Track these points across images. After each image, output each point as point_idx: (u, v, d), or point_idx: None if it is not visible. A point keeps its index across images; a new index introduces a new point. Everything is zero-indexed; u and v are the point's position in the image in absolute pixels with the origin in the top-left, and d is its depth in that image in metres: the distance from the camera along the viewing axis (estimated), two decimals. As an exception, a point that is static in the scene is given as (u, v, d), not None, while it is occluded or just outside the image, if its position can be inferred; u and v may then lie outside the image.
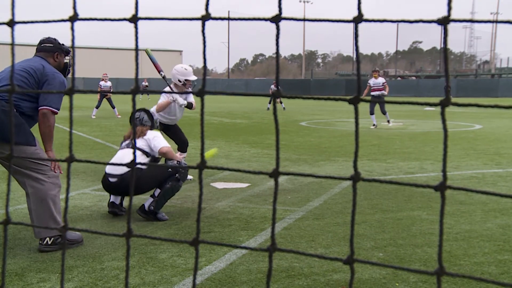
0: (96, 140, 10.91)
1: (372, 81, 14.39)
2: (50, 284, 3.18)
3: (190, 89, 6.30)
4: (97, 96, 20.14)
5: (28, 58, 4.03)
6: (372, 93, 14.43)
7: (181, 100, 6.27)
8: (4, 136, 3.61)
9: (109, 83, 18.84)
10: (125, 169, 4.62)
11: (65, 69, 4.13)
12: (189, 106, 6.36)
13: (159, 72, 6.17)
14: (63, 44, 4.15)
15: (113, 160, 4.92)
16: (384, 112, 14.45)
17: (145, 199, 4.84)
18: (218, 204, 5.25)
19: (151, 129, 5.12)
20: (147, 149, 4.87)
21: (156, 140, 4.87)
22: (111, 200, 4.83)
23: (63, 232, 0.95)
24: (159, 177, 4.69)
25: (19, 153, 3.70)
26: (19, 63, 3.93)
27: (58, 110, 3.84)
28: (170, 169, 4.72)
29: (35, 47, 4.14)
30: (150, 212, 4.64)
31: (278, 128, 0.85)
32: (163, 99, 6.32)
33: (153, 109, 6.28)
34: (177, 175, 4.74)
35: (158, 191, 4.67)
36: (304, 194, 5.72)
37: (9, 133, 0.99)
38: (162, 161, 5.54)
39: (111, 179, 4.63)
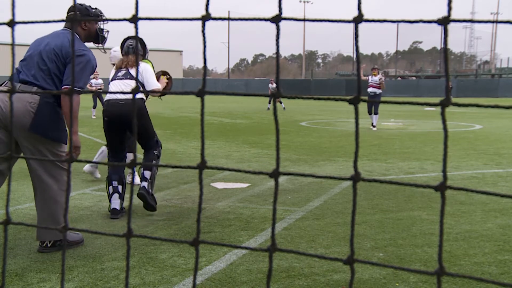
0: (96, 140, 10.90)
1: (370, 78, 14.37)
2: (50, 284, 3.17)
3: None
4: (91, 96, 20.04)
5: (56, 31, 3.80)
6: (368, 89, 14.37)
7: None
8: (40, 130, 3.55)
9: (100, 81, 18.78)
10: (130, 96, 4.63)
11: (97, 36, 3.86)
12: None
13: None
14: (95, 8, 3.87)
15: (112, 89, 4.87)
16: (376, 113, 14.09)
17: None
18: (218, 204, 5.25)
19: (143, 58, 5.07)
20: (141, 80, 4.86)
21: (149, 75, 4.83)
22: (112, 207, 4.78)
23: (63, 232, 0.95)
24: (151, 132, 4.91)
25: (50, 148, 3.64)
26: (46, 38, 3.69)
27: (83, 88, 3.70)
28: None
29: None
30: (150, 193, 4.83)
31: (278, 128, 0.85)
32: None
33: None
34: (155, 152, 4.94)
35: (148, 173, 4.80)
36: (304, 194, 5.72)
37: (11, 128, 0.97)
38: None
39: (120, 102, 4.70)
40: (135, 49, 5.03)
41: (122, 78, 4.87)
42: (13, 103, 3.51)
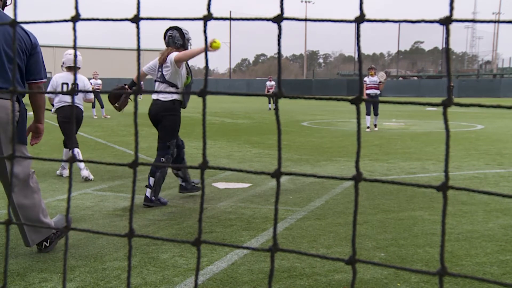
0: (98, 140, 10.92)
1: (368, 79, 13.74)
2: (52, 284, 3.17)
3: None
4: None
5: None
6: (367, 91, 13.74)
7: None
8: (22, 138, 3.47)
9: (99, 81, 18.76)
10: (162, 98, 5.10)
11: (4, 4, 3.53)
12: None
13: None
14: None
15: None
16: (376, 114, 13.62)
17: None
18: (220, 204, 5.25)
19: (183, 50, 5.18)
20: (169, 76, 5.11)
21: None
22: (181, 183, 5.40)
23: (66, 232, 0.95)
24: (173, 130, 5.20)
25: (23, 151, 3.53)
26: None
27: (46, 78, 3.64)
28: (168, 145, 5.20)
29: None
30: (151, 200, 5.09)
31: (280, 129, 0.85)
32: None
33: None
34: (162, 159, 5.17)
35: (151, 180, 5.08)
36: (306, 194, 5.71)
37: (12, 133, 0.97)
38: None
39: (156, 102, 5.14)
40: (176, 41, 5.25)
41: (159, 81, 5.21)
42: None
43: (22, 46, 3.42)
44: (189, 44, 5.29)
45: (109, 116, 17.90)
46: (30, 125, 3.76)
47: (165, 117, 5.09)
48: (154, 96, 5.19)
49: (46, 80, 3.65)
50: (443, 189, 0.76)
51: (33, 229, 3.62)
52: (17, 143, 3.44)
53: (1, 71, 3.36)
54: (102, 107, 18.25)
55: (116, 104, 5.27)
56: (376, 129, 13.77)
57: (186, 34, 5.25)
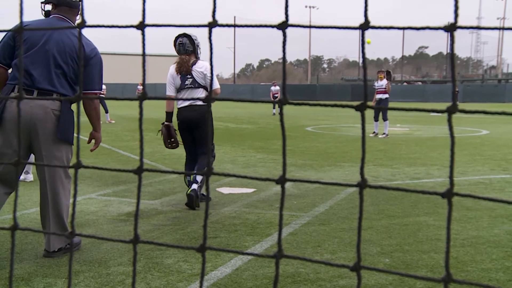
0: (102, 145, 10.94)
1: (376, 83, 13.75)
2: (56, 289, 3.18)
3: None
4: None
5: (44, 19, 3.69)
6: (377, 96, 13.69)
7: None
8: (65, 136, 3.64)
9: (103, 86, 18.79)
10: (199, 103, 5.20)
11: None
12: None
13: None
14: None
15: (185, 96, 5.30)
16: (385, 119, 13.26)
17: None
18: (224, 209, 5.24)
19: (195, 55, 5.28)
20: (202, 81, 5.20)
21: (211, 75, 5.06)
22: (192, 186, 5.24)
23: (71, 238, 0.95)
24: (212, 134, 5.49)
25: (66, 152, 3.71)
26: (46, 32, 3.52)
27: (101, 90, 3.85)
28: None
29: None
30: (201, 195, 5.32)
31: (285, 134, 0.85)
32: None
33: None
34: (212, 158, 5.43)
35: (199, 177, 5.12)
36: (310, 199, 5.70)
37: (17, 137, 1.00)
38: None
39: (195, 105, 5.25)
40: (186, 48, 5.29)
41: (191, 87, 5.25)
42: (34, 110, 3.54)
43: (72, 55, 3.62)
44: (198, 49, 5.38)
45: (113, 121, 17.94)
46: (90, 132, 4.00)
47: (206, 121, 5.15)
48: (186, 102, 5.23)
49: (98, 91, 3.83)
50: (448, 195, 0.75)
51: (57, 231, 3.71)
52: (59, 139, 3.62)
53: (48, 74, 3.58)
54: (106, 112, 18.30)
55: (173, 144, 5.50)
56: (383, 136, 13.22)
57: (195, 40, 5.35)
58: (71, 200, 5.07)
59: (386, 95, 13.59)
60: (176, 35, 5.37)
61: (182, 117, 5.32)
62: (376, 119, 13.58)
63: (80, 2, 3.64)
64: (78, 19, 3.55)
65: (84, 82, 3.68)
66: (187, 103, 5.23)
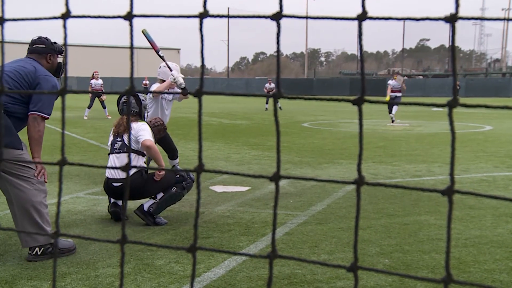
0: (90, 142, 10.76)
1: (392, 82, 16.46)
2: (40, 293, 3.07)
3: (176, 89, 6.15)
4: (89, 95, 19.69)
5: (19, 58, 3.90)
6: (392, 94, 16.33)
7: (180, 78, 5.98)
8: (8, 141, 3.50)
9: (100, 81, 18.53)
10: (122, 175, 4.50)
11: (58, 69, 4.03)
12: (185, 92, 6.13)
13: (156, 52, 5.94)
14: (55, 43, 4.02)
15: (111, 165, 4.68)
16: (395, 109, 15.97)
17: (143, 200, 4.69)
18: (217, 209, 5.13)
19: (140, 117, 4.83)
20: (135, 146, 4.58)
21: (142, 131, 4.56)
22: (113, 201, 4.68)
23: (55, 238, 0.89)
24: (166, 182, 4.59)
25: (3, 155, 3.54)
26: (10, 63, 3.80)
27: (49, 115, 3.73)
28: (178, 176, 4.65)
29: (27, 46, 4.00)
30: (149, 214, 4.52)
31: (278, 130, 0.83)
32: (158, 85, 6.23)
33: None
34: (184, 183, 4.70)
35: (161, 194, 4.58)
36: (307, 198, 5.59)
37: None
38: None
39: (115, 184, 4.50)
40: (131, 109, 4.76)
41: (119, 152, 4.66)
42: None
43: (27, 75, 3.71)
44: (145, 112, 5.08)
45: (110, 117, 17.75)
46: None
47: (139, 189, 4.59)
48: (113, 175, 4.57)
49: (43, 115, 3.70)
50: (448, 193, 0.75)
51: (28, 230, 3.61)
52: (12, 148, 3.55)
53: None
54: (104, 107, 18.15)
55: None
56: (391, 124, 15.75)
57: (143, 101, 4.88)
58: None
59: (400, 94, 16.45)
60: (123, 92, 4.92)
61: (108, 188, 4.63)
62: (390, 111, 16.09)
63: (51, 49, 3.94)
64: (60, 58, 4.01)
65: (32, 103, 3.66)
66: (112, 173, 4.59)
